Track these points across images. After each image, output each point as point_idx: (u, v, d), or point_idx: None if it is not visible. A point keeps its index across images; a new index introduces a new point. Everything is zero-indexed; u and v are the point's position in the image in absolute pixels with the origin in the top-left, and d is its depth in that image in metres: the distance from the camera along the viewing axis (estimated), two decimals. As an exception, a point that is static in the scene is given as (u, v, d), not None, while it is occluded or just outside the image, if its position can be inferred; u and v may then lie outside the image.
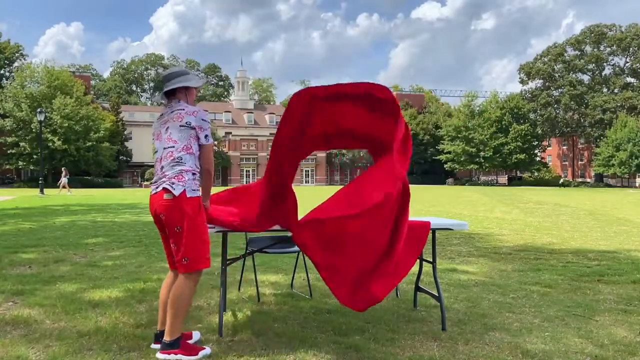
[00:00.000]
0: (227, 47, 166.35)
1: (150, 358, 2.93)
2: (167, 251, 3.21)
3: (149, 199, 3.10)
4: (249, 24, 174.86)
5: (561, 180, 64.74)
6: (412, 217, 3.64)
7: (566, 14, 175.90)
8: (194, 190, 2.97)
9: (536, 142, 66.16)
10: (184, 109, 3.03)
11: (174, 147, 3.01)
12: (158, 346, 3.02)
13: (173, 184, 2.92)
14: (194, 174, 3.00)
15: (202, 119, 3.04)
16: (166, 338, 2.95)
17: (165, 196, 2.92)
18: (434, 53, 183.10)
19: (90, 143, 50.64)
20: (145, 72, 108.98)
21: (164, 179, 2.98)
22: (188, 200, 2.93)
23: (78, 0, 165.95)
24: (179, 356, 2.90)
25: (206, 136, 3.06)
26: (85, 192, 33.56)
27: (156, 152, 3.15)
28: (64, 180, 30.05)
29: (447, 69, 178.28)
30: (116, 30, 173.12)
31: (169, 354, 2.91)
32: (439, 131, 69.58)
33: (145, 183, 59.10)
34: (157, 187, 3.00)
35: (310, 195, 22.99)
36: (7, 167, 53.53)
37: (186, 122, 3.00)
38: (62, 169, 31.92)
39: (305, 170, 69.86)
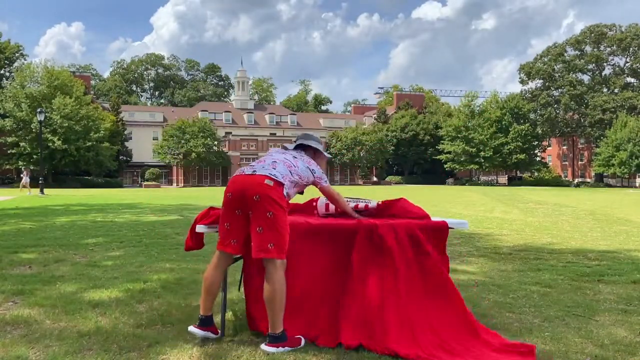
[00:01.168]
0: (228, 47, 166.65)
1: (150, 358, 2.93)
2: (226, 232, 3.16)
3: (233, 177, 3.20)
4: (250, 24, 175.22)
5: (576, 181, 64.76)
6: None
7: (567, 14, 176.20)
8: (288, 194, 3.17)
9: (536, 142, 66.19)
10: (312, 162, 3.41)
11: (294, 167, 3.25)
12: (197, 330, 3.12)
13: (276, 175, 3.10)
14: (288, 193, 3.17)
15: (321, 170, 3.42)
16: (273, 331, 3.02)
17: (266, 181, 3.06)
18: (434, 53, 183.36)
19: (90, 143, 50.64)
20: (145, 72, 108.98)
21: (268, 169, 3.13)
22: (283, 196, 3.10)
23: (78, 0, 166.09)
24: (287, 348, 2.97)
25: (326, 181, 3.41)
26: (85, 192, 33.57)
27: (270, 156, 3.34)
28: (25, 179, 30.57)
29: (447, 69, 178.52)
30: (117, 31, 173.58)
31: (277, 347, 2.97)
32: (439, 131, 69.58)
33: (146, 183, 59.13)
34: (254, 171, 3.14)
35: (310, 195, 22.97)
36: (7, 167, 53.53)
37: (312, 169, 3.34)
38: (23, 168, 32.47)
39: (305, 170, 69.78)
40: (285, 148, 3.53)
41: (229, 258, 3.26)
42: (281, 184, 3.09)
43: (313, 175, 3.32)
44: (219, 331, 3.25)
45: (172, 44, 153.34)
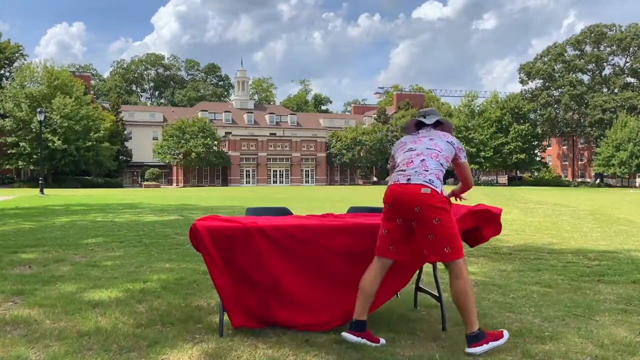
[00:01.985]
0: (228, 47, 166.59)
1: (150, 358, 2.93)
2: (384, 238, 3.21)
3: (390, 187, 3.22)
4: (250, 24, 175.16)
5: (577, 181, 64.66)
6: None
7: (567, 14, 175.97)
8: (442, 189, 3.21)
9: (536, 142, 66.21)
10: (446, 133, 3.42)
11: (440, 152, 3.25)
12: (350, 336, 3.11)
13: (431, 180, 3.12)
14: (440, 179, 3.21)
15: (460, 145, 3.40)
16: (471, 330, 3.02)
17: (423, 190, 3.08)
18: (434, 53, 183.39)
19: (90, 143, 50.66)
20: (145, 72, 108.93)
21: (421, 174, 3.13)
22: (443, 197, 3.16)
23: (79, 0, 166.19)
24: (490, 344, 2.98)
25: (465, 156, 3.41)
26: (85, 192, 33.56)
27: (411, 150, 3.31)
28: None
29: (447, 69, 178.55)
30: (117, 31, 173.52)
31: (480, 345, 2.98)
32: (439, 131, 69.52)
33: (146, 183, 59.12)
34: (409, 179, 3.14)
35: (310, 195, 23.10)
36: (7, 167, 53.52)
37: (450, 141, 3.33)
38: None
39: (306, 170, 69.85)
40: (418, 125, 3.45)
41: (387, 263, 3.23)
42: (437, 186, 3.11)
43: (453, 147, 3.31)
44: (379, 339, 3.18)
45: (173, 44, 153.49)
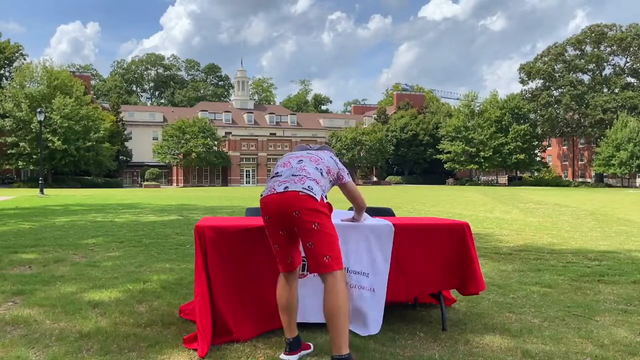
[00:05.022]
0: (232, 49, 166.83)
1: (150, 358, 2.93)
2: (279, 253, 2.99)
3: (266, 198, 2.94)
4: (261, 25, 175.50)
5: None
6: (413, 216, 3.68)
7: (574, 14, 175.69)
8: (325, 195, 2.98)
9: (536, 142, 66.23)
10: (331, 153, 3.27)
11: (321, 160, 3.10)
12: (289, 357, 2.90)
13: (310, 187, 2.87)
14: (324, 195, 2.98)
15: (343, 167, 3.22)
16: (339, 353, 2.66)
17: (301, 193, 2.84)
18: (439, 53, 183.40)
19: (90, 143, 50.68)
20: (145, 72, 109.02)
21: (299, 180, 2.89)
22: (324, 202, 2.91)
23: (86, 1, 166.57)
24: None
25: (348, 175, 3.21)
26: (84, 192, 33.56)
27: (290, 155, 3.18)
28: None
29: (453, 69, 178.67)
30: (128, 32, 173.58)
31: None
32: (438, 131, 69.63)
33: (145, 183, 59.14)
34: (286, 188, 2.88)
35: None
36: (7, 167, 53.54)
37: (334, 158, 3.20)
38: None
39: (305, 170, 69.81)
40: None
41: (293, 275, 3.03)
42: (317, 193, 2.87)
43: (337, 166, 3.15)
44: (310, 345, 3.08)
45: (181, 45, 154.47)
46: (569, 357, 2.99)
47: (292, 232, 2.90)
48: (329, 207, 2.96)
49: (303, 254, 3.09)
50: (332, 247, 2.80)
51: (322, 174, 3.00)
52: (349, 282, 3.46)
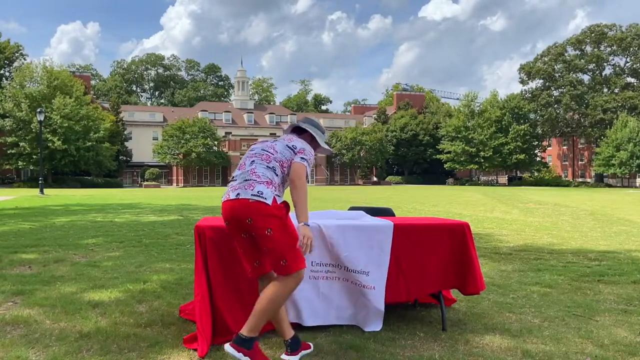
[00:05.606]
0: (229, 48, 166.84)
1: (150, 358, 2.93)
2: (245, 257, 3.02)
3: (223, 204, 2.95)
4: (258, 26, 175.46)
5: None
6: (413, 216, 3.67)
7: (574, 14, 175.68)
8: (279, 197, 2.93)
9: (536, 142, 66.20)
10: (297, 139, 3.12)
11: (272, 155, 3.02)
12: (290, 358, 2.93)
13: (260, 192, 2.85)
14: (277, 195, 2.93)
15: (310, 150, 3.06)
16: (243, 332, 2.77)
17: (251, 199, 2.83)
18: (439, 53, 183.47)
19: (90, 143, 50.65)
20: (145, 72, 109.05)
21: (249, 185, 2.88)
22: (276, 205, 2.87)
23: (87, 2, 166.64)
24: (246, 358, 2.73)
25: (301, 159, 3.00)
26: (84, 192, 33.57)
27: (250, 151, 3.12)
28: None
29: (453, 69, 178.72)
30: (127, 31, 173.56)
31: (238, 350, 2.73)
32: (438, 131, 69.63)
33: (145, 183, 59.14)
34: (238, 194, 2.88)
35: (310, 195, 22.96)
36: (7, 167, 53.54)
37: (292, 145, 3.05)
38: None
39: (306, 171, 69.80)
40: (295, 130, 3.30)
41: (268, 277, 3.02)
42: (267, 197, 2.84)
43: (294, 151, 3.01)
44: (310, 345, 3.11)
45: (181, 45, 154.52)
46: (569, 357, 2.99)
47: (252, 236, 2.93)
48: (285, 208, 2.94)
49: None
50: (288, 250, 2.82)
51: (275, 172, 2.97)
52: (351, 280, 3.48)
